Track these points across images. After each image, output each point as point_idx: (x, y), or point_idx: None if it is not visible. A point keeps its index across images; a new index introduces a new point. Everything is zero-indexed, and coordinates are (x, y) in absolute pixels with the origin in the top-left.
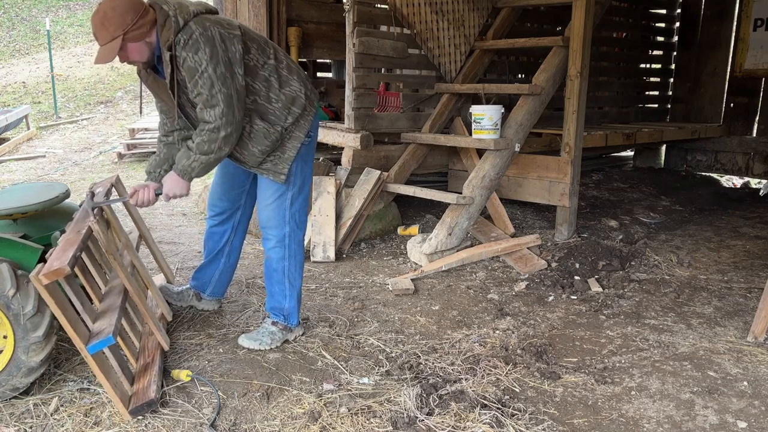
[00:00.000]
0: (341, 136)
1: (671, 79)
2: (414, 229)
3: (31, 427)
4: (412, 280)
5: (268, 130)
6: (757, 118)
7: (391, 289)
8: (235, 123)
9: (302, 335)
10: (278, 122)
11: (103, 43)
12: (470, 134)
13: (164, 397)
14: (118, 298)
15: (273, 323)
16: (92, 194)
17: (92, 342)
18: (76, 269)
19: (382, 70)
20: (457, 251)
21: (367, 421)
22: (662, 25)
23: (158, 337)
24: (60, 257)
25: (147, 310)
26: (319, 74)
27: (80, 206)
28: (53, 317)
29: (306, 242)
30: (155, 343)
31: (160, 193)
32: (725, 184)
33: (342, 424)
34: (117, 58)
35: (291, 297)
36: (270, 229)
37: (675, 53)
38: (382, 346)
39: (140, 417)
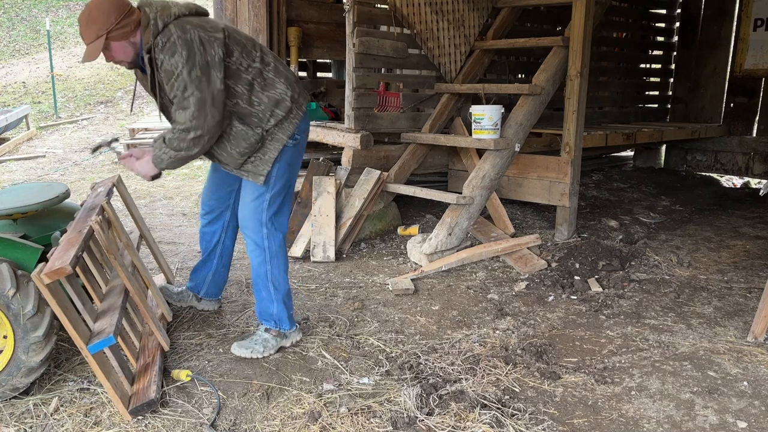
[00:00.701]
0: (341, 136)
1: (671, 79)
2: (414, 229)
3: (31, 427)
4: (412, 280)
5: (246, 133)
6: (757, 118)
7: (391, 289)
8: (206, 126)
9: (300, 341)
10: (260, 125)
11: (88, 42)
12: (470, 134)
13: (164, 397)
14: (119, 297)
15: (266, 330)
16: (102, 144)
17: (93, 342)
18: (77, 269)
19: (382, 70)
20: (457, 251)
21: (367, 421)
22: (662, 24)
23: (158, 337)
24: (62, 257)
25: (147, 310)
26: (319, 74)
27: (81, 206)
28: (53, 317)
29: (306, 242)
30: (155, 343)
31: None
32: (725, 184)
33: (342, 424)
34: (104, 58)
35: (277, 301)
36: (247, 231)
37: (675, 53)
38: (382, 346)
39: (140, 417)
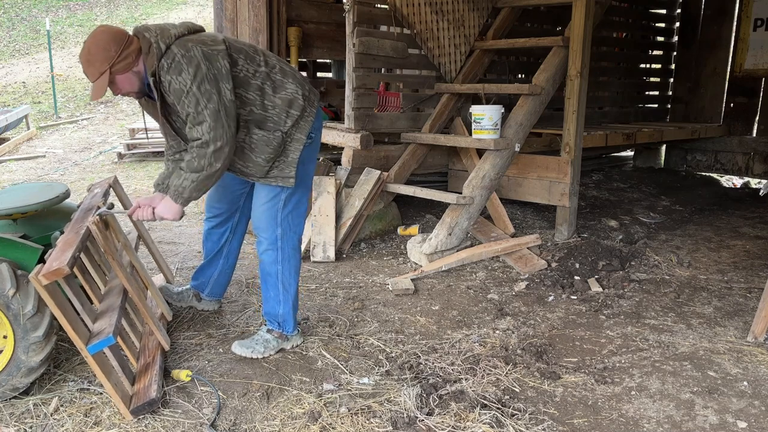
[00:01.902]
0: (341, 136)
1: (671, 79)
2: (414, 229)
3: (31, 427)
4: (412, 280)
5: (268, 137)
6: (757, 118)
7: (391, 289)
8: (225, 137)
9: (301, 343)
10: (277, 128)
11: (93, 80)
12: (470, 134)
13: (164, 397)
14: (117, 298)
15: (268, 330)
16: (98, 206)
17: (92, 342)
18: (75, 270)
19: (382, 70)
20: (457, 251)
21: (367, 421)
22: (662, 24)
23: (158, 337)
24: (59, 257)
25: (147, 310)
26: (319, 74)
27: (78, 207)
28: (53, 317)
29: (306, 242)
30: (155, 342)
31: None
32: (725, 184)
33: (342, 424)
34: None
35: (285, 302)
36: (262, 231)
37: (675, 53)
38: (382, 346)
39: (141, 417)
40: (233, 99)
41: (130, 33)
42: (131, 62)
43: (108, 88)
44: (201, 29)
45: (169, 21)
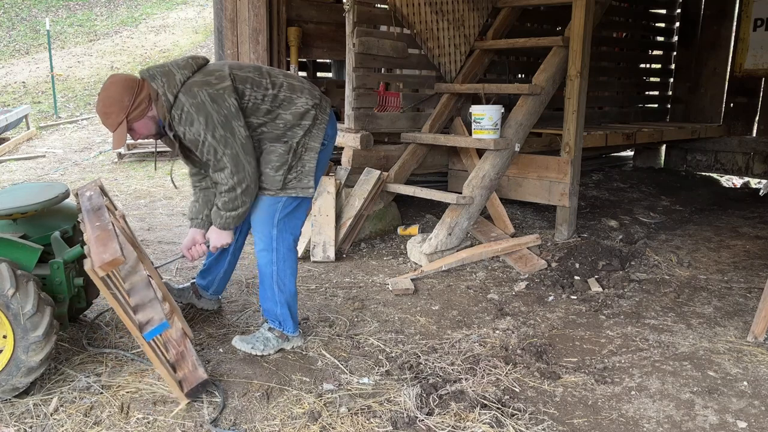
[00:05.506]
0: (341, 136)
1: (671, 79)
2: (414, 229)
3: (31, 427)
4: (412, 280)
5: (273, 146)
6: (757, 118)
7: (391, 289)
8: (248, 177)
9: (302, 344)
10: (288, 139)
11: (113, 130)
12: (470, 134)
13: (164, 397)
14: (149, 290)
15: (270, 329)
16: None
17: (147, 329)
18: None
19: (382, 70)
20: (457, 251)
21: (367, 421)
22: (662, 24)
23: (183, 327)
24: (106, 250)
25: (172, 302)
26: (319, 74)
27: (79, 209)
28: (52, 317)
29: (306, 242)
30: (180, 333)
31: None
32: (725, 184)
33: (342, 424)
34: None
35: (281, 304)
36: (258, 232)
37: (675, 53)
38: (382, 346)
39: (141, 416)
40: (248, 134)
41: (139, 77)
42: (145, 108)
43: (128, 135)
44: (205, 62)
45: (169, 21)
